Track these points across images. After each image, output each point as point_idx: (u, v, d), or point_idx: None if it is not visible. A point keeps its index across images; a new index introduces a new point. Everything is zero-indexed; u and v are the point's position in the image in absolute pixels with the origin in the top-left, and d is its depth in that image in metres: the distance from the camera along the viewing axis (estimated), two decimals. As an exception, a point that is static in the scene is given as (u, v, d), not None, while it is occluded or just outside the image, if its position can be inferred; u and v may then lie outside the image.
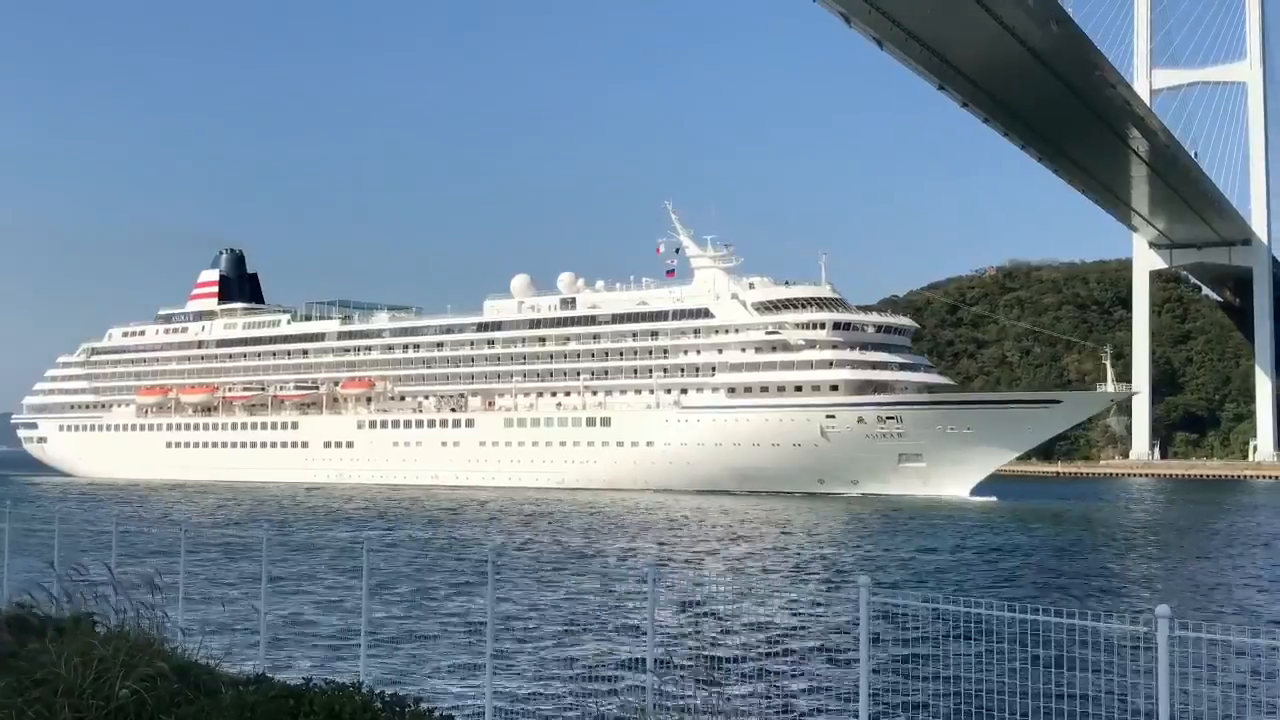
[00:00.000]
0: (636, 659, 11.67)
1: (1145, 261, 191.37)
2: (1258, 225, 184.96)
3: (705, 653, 20.95)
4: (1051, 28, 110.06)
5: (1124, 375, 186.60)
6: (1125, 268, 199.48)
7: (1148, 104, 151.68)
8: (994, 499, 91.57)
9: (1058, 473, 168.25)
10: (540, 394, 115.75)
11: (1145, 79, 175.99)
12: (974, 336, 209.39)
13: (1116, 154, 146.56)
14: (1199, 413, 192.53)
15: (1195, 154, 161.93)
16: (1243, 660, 8.30)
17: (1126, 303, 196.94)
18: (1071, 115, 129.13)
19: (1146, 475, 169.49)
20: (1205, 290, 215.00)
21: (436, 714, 8.35)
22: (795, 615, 30.09)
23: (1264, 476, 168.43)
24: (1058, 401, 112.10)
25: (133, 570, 14.74)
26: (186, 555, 15.05)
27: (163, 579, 13.94)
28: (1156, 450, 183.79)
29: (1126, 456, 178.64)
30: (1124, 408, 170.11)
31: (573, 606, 30.12)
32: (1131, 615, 7.33)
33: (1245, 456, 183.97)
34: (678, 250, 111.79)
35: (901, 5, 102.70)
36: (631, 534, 59.01)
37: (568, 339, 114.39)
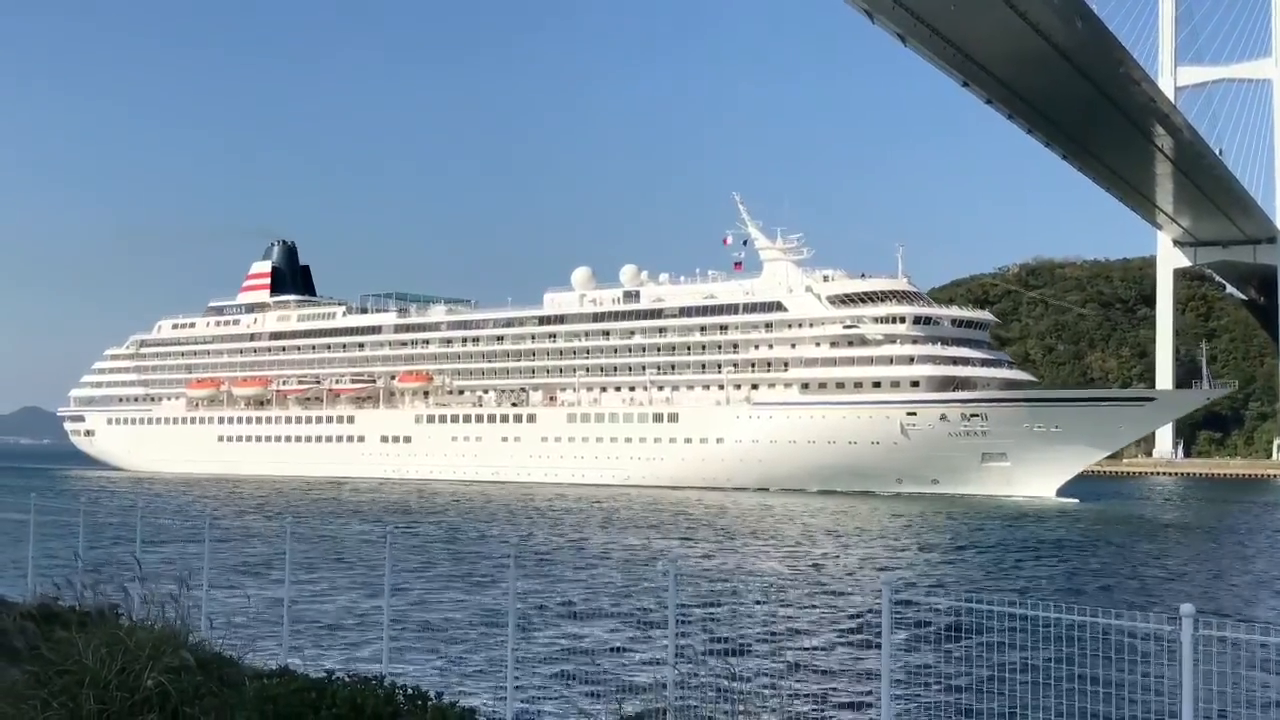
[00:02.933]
0: (656, 657, 11.66)
1: (1169, 259, 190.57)
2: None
3: (726, 646, 20.94)
4: (1076, 24, 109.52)
5: (1146, 375, 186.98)
6: (1149, 265, 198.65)
7: (1172, 101, 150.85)
8: (1076, 500, 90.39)
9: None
10: (604, 389, 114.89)
11: (1170, 76, 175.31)
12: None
13: (1141, 151, 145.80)
14: (1222, 412, 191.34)
15: (1220, 151, 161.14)
16: (1270, 659, 8.25)
17: (1150, 300, 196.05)
18: (1095, 112, 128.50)
19: (1170, 474, 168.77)
20: (1230, 288, 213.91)
21: (458, 708, 8.34)
22: (826, 615, 30.10)
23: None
24: (1151, 399, 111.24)
25: (158, 562, 14.80)
26: (211, 547, 15.08)
27: (188, 571, 13.98)
28: (1180, 449, 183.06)
29: (1150, 455, 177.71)
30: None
31: (604, 600, 30.19)
32: (1158, 614, 7.28)
33: (1269, 456, 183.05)
34: (745, 242, 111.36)
35: (924, 2, 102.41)
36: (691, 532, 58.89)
37: (632, 332, 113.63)
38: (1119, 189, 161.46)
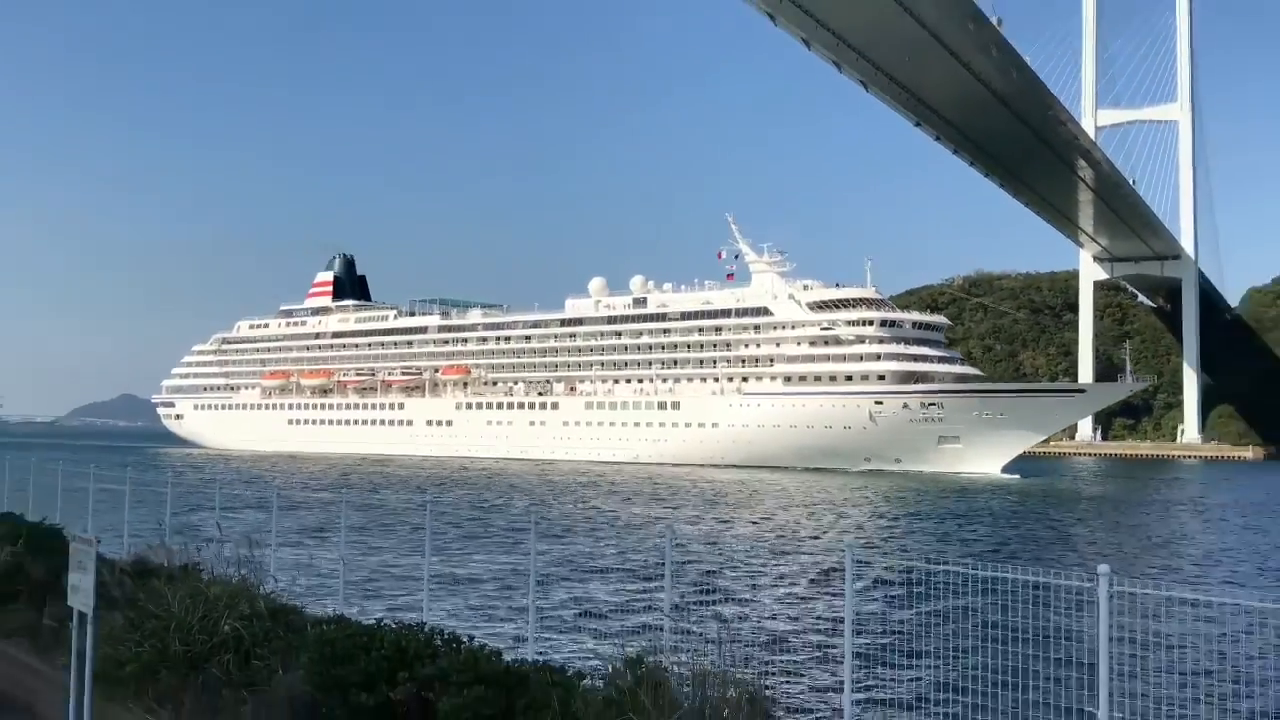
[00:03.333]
0: (656, 604, 11.67)
1: (1090, 273, 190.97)
2: (1186, 242, 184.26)
3: (715, 598, 20.94)
4: (1012, 74, 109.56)
5: (1070, 371, 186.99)
6: (1073, 278, 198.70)
7: (1093, 139, 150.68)
8: (1017, 476, 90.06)
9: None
10: (616, 381, 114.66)
11: (1091, 117, 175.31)
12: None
13: (1066, 181, 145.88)
14: (1135, 402, 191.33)
15: (1134, 181, 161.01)
16: (1179, 614, 8.24)
17: (1074, 308, 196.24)
18: (1028, 148, 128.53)
19: (1091, 455, 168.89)
20: (1141, 298, 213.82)
21: (487, 649, 8.34)
22: (799, 571, 30.07)
23: (1189, 457, 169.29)
24: (1082, 391, 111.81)
25: (233, 526, 14.81)
26: (279, 513, 15.11)
27: (258, 533, 13.99)
28: (1098, 433, 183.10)
29: (1073, 438, 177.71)
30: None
31: (607, 559, 30.18)
32: (1078, 573, 7.27)
33: (1174, 439, 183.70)
34: (737, 257, 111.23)
35: (884, 54, 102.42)
36: (695, 503, 58.79)
37: (641, 333, 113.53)
38: (1047, 213, 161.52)
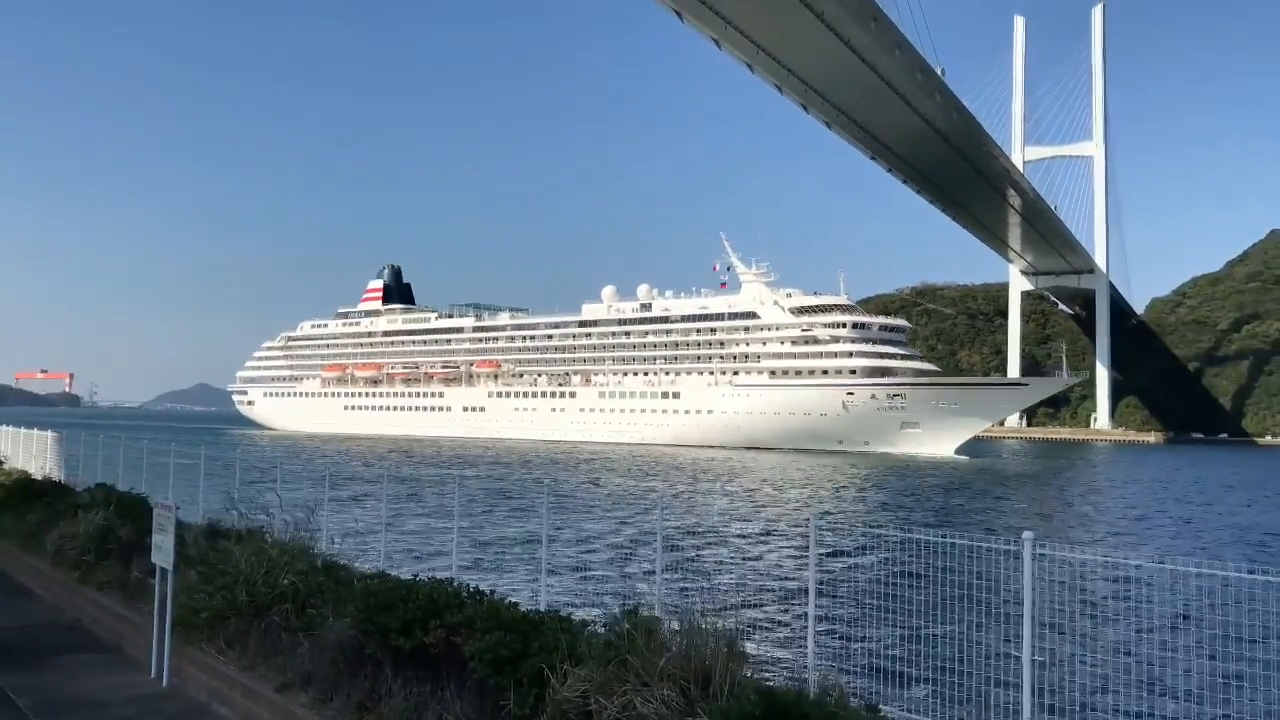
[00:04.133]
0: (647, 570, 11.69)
1: (1018, 284, 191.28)
2: (1099, 258, 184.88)
3: (701, 557, 20.93)
4: (952, 115, 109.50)
5: (1001, 368, 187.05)
6: (1004, 289, 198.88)
7: (1021, 171, 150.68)
8: (966, 457, 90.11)
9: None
10: (626, 374, 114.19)
11: (1020, 153, 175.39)
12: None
13: (998, 207, 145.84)
14: (1054, 394, 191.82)
15: (1055, 207, 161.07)
16: (1097, 576, 8.23)
17: (1004, 314, 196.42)
18: (966, 179, 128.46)
19: (1018, 438, 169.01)
20: (1061, 306, 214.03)
21: (506, 600, 8.35)
22: (770, 536, 30.05)
23: (1101, 441, 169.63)
24: (1025, 384, 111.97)
25: (293, 496, 14.79)
26: (331, 486, 15.09)
27: (314, 501, 13.99)
28: (1024, 420, 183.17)
29: (1003, 423, 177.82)
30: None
31: (608, 523, 30.15)
32: (1006, 538, 7.25)
33: (1088, 425, 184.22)
34: (729, 268, 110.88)
35: (845, 98, 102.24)
36: (691, 476, 58.80)
37: (646, 333, 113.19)
38: (982, 234, 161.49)
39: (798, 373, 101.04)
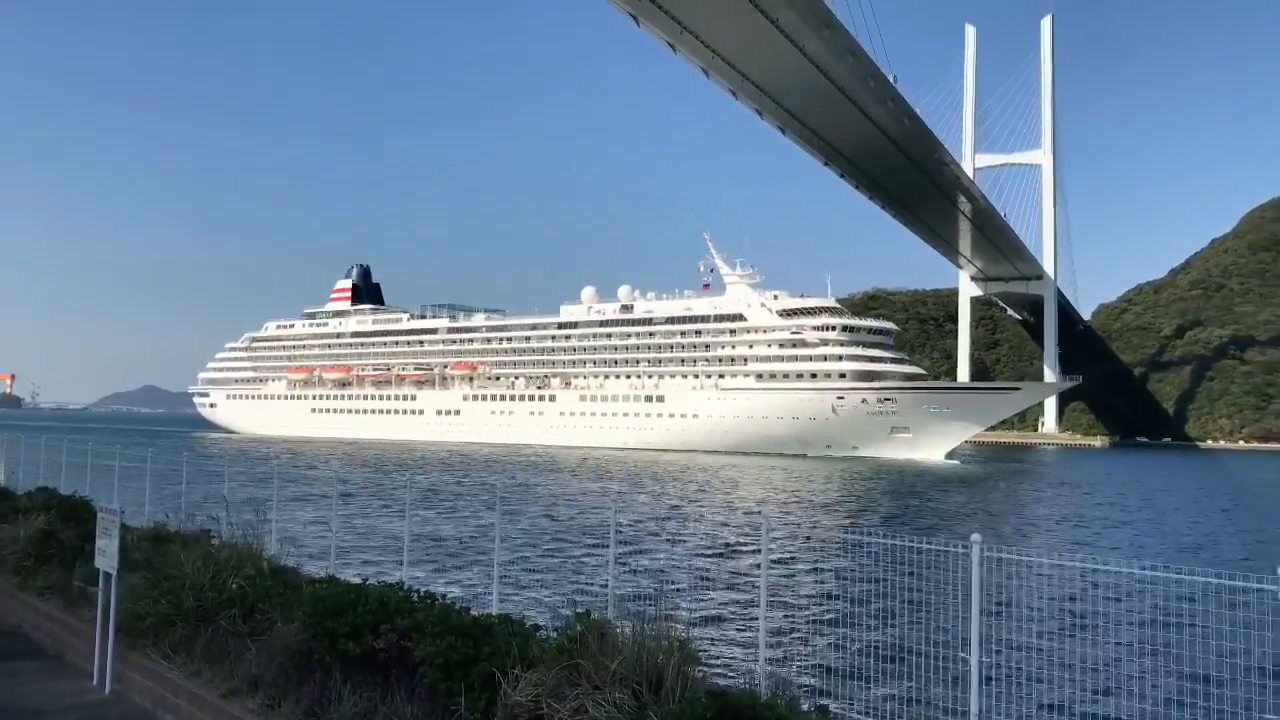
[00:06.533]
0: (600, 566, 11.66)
1: (968, 290, 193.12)
2: (1047, 265, 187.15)
3: (654, 559, 20.91)
4: (904, 122, 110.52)
5: (951, 372, 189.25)
6: (954, 294, 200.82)
7: (971, 178, 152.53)
8: (957, 462, 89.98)
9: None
10: (607, 377, 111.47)
11: (970, 160, 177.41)
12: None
13: (949, 214, 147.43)
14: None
15: (1005, 214, 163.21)
16: (1043, 577, 8.32)
17: (954, 319, 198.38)
18: (917, 185, 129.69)
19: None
20: (1010, 311, 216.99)
21: (457, 604, 8.29)
22: (733, 535, 30.08)
23: (1048, 444, 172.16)
24: (1017, 389, 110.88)
25: (241, 499, 14.60)
26: (279, 487, 14.90)
27: (262, 505, 13.80)
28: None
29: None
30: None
31: (562, 526, 30.02)
32: (955, 540, 7.33)
33: (1036, 429, 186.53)
34: (713, 270, 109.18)
35: (798, 103, 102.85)
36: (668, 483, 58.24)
37: (628, 335, 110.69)
38: (933, 239, 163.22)
39: (786, 376, 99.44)
